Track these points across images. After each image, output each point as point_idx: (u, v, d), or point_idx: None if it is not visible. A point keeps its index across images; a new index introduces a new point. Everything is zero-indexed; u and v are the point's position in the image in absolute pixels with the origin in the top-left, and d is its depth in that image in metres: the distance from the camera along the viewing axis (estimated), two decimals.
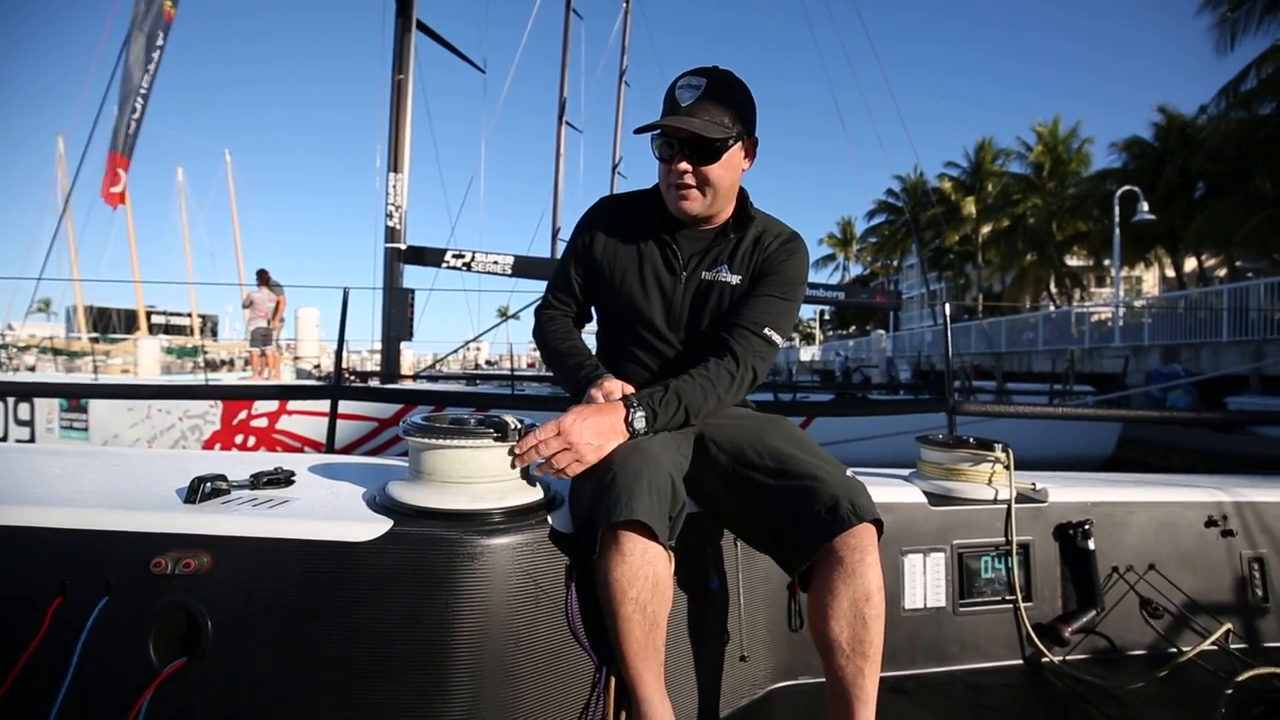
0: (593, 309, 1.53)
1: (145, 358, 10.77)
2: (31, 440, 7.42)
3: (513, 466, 1.17)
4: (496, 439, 1.15)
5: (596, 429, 1.15)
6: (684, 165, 1.26)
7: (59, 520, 1.10)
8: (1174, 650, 1.58)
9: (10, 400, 7.41)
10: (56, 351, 14.59)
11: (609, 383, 1.25)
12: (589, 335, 1.61)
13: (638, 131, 1.29)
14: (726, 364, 1.28)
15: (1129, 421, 7.04)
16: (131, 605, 1.05)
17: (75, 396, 7.15)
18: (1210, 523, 1.72)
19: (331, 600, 1.05)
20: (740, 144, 1.30)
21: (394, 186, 8.70)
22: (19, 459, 1.55)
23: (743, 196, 1.38)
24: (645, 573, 1.05)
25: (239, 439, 7.03)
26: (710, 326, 1.36)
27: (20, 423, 7.45)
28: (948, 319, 3.61)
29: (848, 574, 1.08)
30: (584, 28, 15.94)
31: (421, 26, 9.10)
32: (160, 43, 7.10)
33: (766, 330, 1.31)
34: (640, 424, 1.18)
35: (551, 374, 1.43)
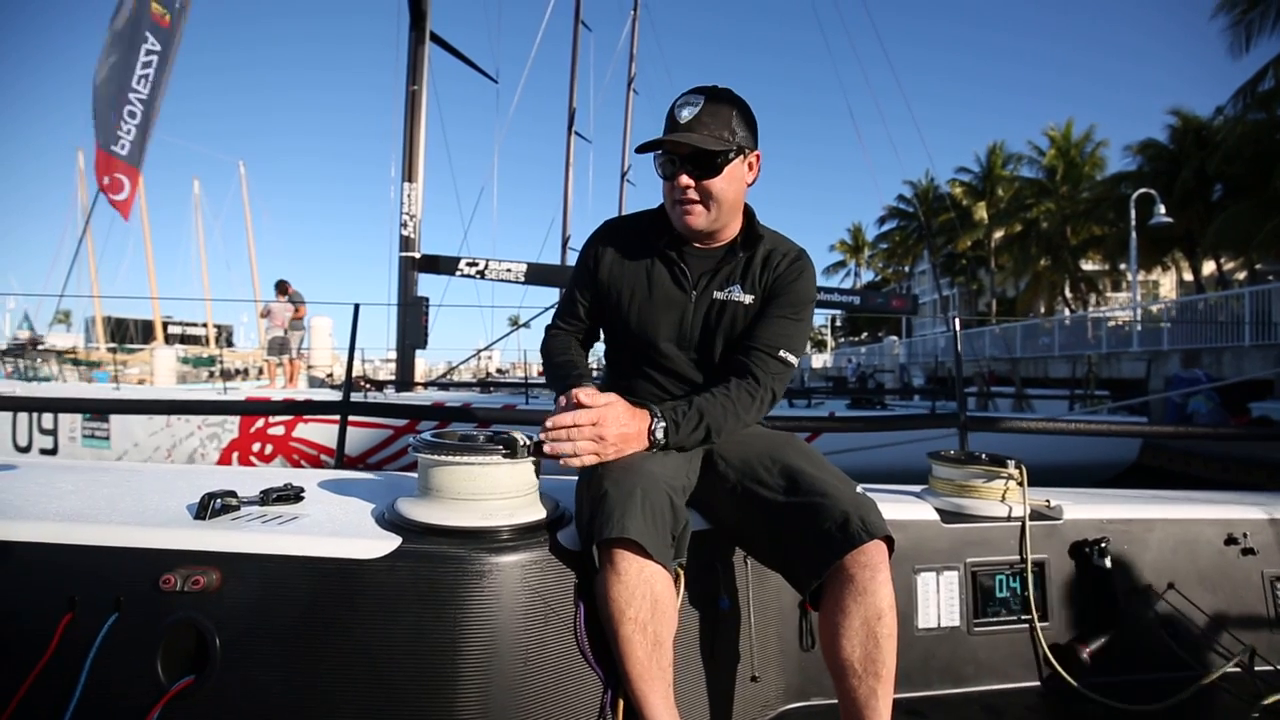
0: (600, 330, 1.53)
1: (162, 367, 10.93)
2: (55, 449, 7.56)
3: (536, 452, 1.17)
4: (506, 455, 1.15)
5: (624, 432, 1.17)
6: (685, 180, 1.26)
7: (69, 536, 1.11)
8: (1196, 672, 1.55)
9: (34, 411, 7.54)
10: (76, 361, 14.85)
11: (582, 392, 1.21)
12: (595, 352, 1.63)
13: (639, 150, 1.29)
14: (748, 385, 1.29)
15: (1150, 437, 6.91)
16: (141, 622, 1.05)
17: (98, 412, 7.27)
18: (1230, 540, 1.68)
19: (340, 618, 1.05)
20: (742, 157, 1.30)
21: (408, 196, 8.79)
22: (31, 475, 1.56)
23: (749, 213, 1.38)
24: (643, 592, 1.04)
25: (256, 447, 7.12)
26: (723, 346, 1.36)
27: (44, 432, 7.60)
28: (958, 332, 3.56)
29: (859, 592, 1.07)
30: (593, 38, 16.08)
31: (435, 38, 9.22)
32: (155, 47, 7.07)
33: (782, 352, 1.32)
34: (660, 435, 1.20)
35: (545, 369, 1.49)
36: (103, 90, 6.83)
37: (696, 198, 1.27)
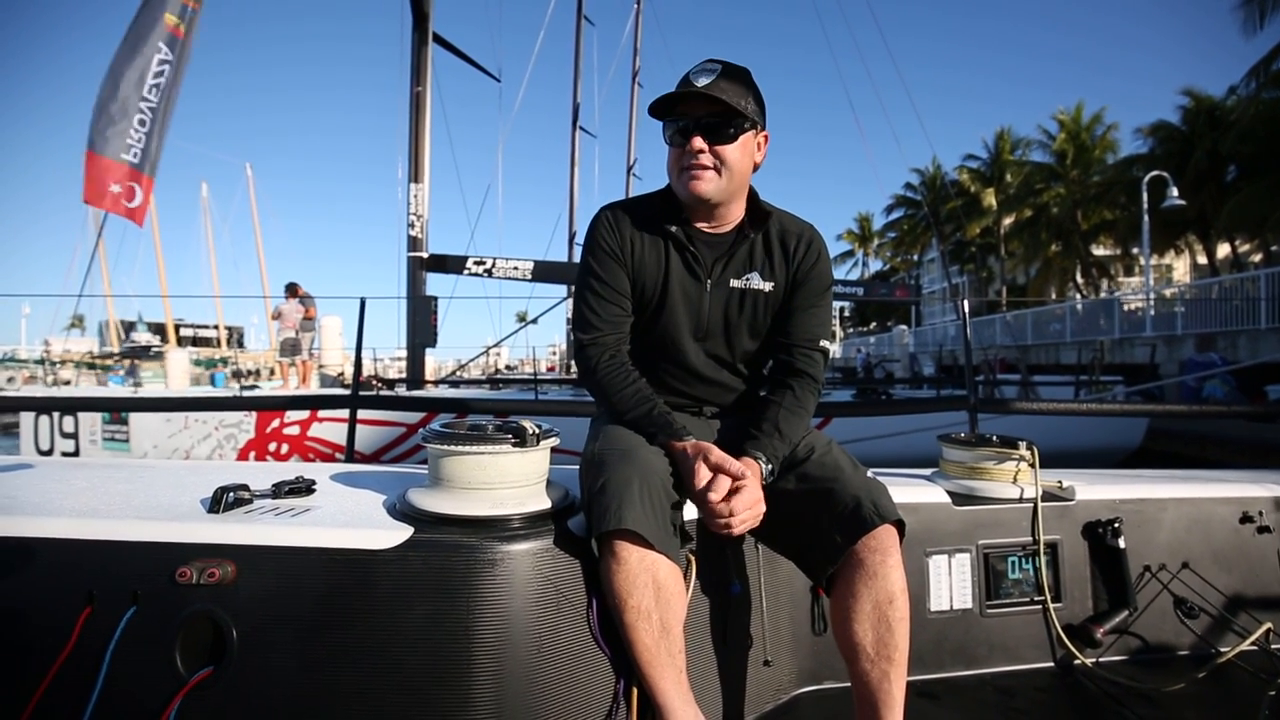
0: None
1: (175, 370, 11.02)
2: (76, 452, 7.67)
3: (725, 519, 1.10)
4: (515, 444, 1.16)
5: (759, 496, 1.13)
6: (699, 142, 1.21)
7: (86, 532, 1.12)
8: (1212, 651, 1.54)
9: (55, 414, 7.66)
10: (91, 365, 15.04)
11: (707, 450, 1.14)
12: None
13: (653, 107, 1.25)
14: (807, 384, 1.30)
15: (1156, 416, 6.85)
16: (158, 615, 1.07)
17: (114, 410, 7.37)
18: (1245, 519, 1.67)
19: (354, 608, 1.07)
20: (754, 131, 1.27)
21: (415, 196, 8.82)
22: (47, 472, 1.59)
23: (752, 193, 1.34)
24: (644, 580, 1.05)
25: (273, 447, 7.19)
26: (744, 334, 1.34)
27: (65, 435, 7.70)
28: (966, 314, 3.54)
29: (869, 576, 1.07)
30: (596, 33, 16.04)
31: (438, 39, 9.22)
32: (167, 57, 7.17)
33: (822, 342, 1.33)
34: (768, 474, 1.19)
35: (603, 405, 1.32)
36: (118, 99, 6.94)
37: (708, 163, 1.22)
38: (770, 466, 1.18)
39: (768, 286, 1.32)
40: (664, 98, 1.24)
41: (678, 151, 1.25)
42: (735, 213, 1.33)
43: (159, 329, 25.41)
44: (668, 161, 1.29)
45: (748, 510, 1.09)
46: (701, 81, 1.21)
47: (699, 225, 1.32)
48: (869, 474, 1.21)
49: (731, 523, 1.08)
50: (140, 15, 7.06)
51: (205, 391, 9.55)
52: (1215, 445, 7.72)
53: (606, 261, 1.31)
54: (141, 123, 7.14)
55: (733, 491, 1.09)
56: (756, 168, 1.32)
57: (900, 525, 1.12)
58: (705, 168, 1.23)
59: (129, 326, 24.40)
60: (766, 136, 1.31)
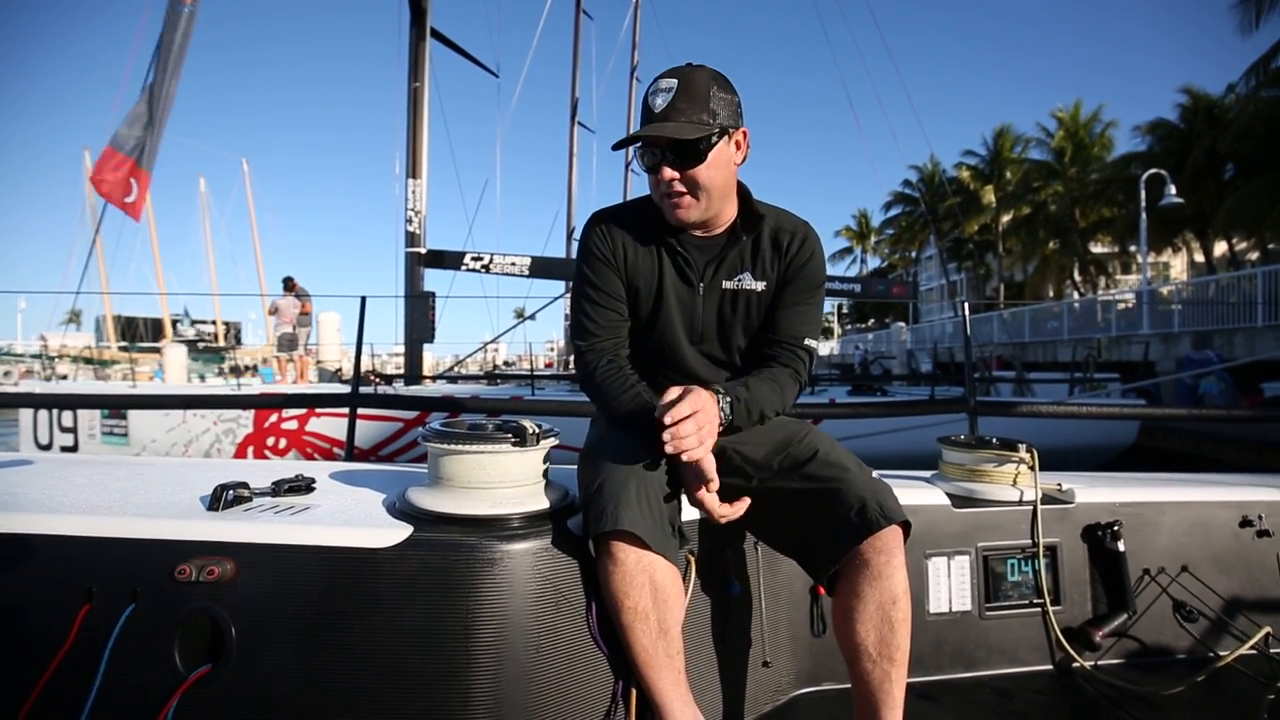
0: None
1: (172, 365, 10.99)
2: (75, 446, 7.67)
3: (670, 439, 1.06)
4: (515, 444, 1.15)
5: (711, 422, 1.11)
6: (669, 172, 1.18)
7: (85, 529, 1.12)
8: (1211, 655, 1.54)
9: (54, 409, 7.65)
10: (88, 360, 14.99)
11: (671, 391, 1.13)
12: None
13: (615, 148, 1.24)
14: (791, 374, 1.29)
15: (1154, 420, 6.88)
16: (157, 612, 1.07)
17: (114, 408, 7.37)
18: (1245, 523, 1.67)
19: (353, 606, 1.06)
20: (726, 138, 1.21)
21: (413, 192, 8.81)
22: (46, 469, 1.58)
23: (744, 193, 1.31)
24: (641, 581, 1.05)
25: (270, 441, 7.19)
26: (739, 335, 1.33)
27: (64, 430, 7.70)
28: (966, 316, 3.55)
29: (874, 577, 1.07)
30: (594, 28, 16.01)
31: (435, 34, 9.20)
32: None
33: (807, 340, 1.31)
34: (727, 409, 1.16)
35: (604, 410, 1.31)
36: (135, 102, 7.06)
37: (684, 189, 1.19)
38: (728, 399, 1.15)
39: (760, 286, 1.30)
40: (624, 139, 1.22)
41: (653, 179, 1.23)
42: (726, 215, 1.30)
43: (212, 324, 25.55)
44: (649, 185, 1.27)
45: (695, 429, 1.05)
46: (659, 104, 1.17)
47: (689, 231, 1.30)
48: (874, 475, 1.21)
49: (681, 444, 1.05)
50: (174, 26, 7.22)
51: (210, 388, 9.54)
52: (1211, 442, 7.74)
53: (600, 268, 1.30)
54: (140, 119, 7.19)
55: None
56: (740, 163, 1.27)
57: (906, 526, 1.12)
58: (682, 194, 1.20)
59: (173, 323, 24.40)
60: (745, 133, 1.26)
